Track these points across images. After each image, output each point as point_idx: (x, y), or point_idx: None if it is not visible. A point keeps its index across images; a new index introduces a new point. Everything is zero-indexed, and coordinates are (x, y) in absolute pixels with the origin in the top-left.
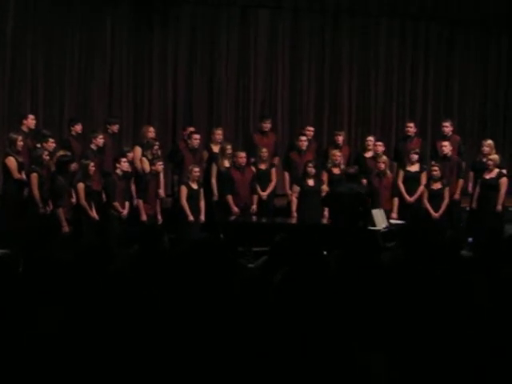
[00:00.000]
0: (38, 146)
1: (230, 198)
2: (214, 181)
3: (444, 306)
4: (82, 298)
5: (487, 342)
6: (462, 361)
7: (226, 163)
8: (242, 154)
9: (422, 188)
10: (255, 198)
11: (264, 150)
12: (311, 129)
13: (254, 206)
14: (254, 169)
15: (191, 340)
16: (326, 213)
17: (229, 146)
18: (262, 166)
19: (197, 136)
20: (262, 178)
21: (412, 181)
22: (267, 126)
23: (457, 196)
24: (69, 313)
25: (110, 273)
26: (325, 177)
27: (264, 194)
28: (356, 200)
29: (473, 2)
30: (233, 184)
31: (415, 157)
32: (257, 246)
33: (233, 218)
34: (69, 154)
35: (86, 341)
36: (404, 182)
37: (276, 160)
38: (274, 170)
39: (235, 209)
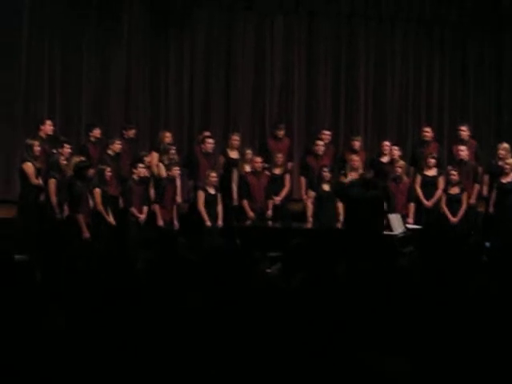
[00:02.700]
0: (55, 151)
1: (245, 202)
2: (234, 186)
3: (458, 310)
4: (99, 304)
5: (498, 347)
6: (479, 365)
7: (247, 168)
8: (258, 159)
9: (439, 192)
10: (271, 203)
11: (279, 155)
12: (328, 133)
13: (270, 211)
14: (269, 174)
15: (208, 344)
16: (342, 217)
17: (249, 151)
18: (277, 171)
19: (211, 140)
20: (277, 183)
21: (429, 185)
22: (281, 132)
23: (473, 201)
24: (85, 318)
25: (128, 278)
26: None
27: (277, 199)
28: (371, 205)
29: (487, 5)
30: (249, 189)
31: (432, 161)
32: (272, 251)
33: (249, 222)
34: (85, 159)
35: (102, 344)
36: (421, 187)
37: (290, 165)
38: (288, 176)
39: (251, 213)
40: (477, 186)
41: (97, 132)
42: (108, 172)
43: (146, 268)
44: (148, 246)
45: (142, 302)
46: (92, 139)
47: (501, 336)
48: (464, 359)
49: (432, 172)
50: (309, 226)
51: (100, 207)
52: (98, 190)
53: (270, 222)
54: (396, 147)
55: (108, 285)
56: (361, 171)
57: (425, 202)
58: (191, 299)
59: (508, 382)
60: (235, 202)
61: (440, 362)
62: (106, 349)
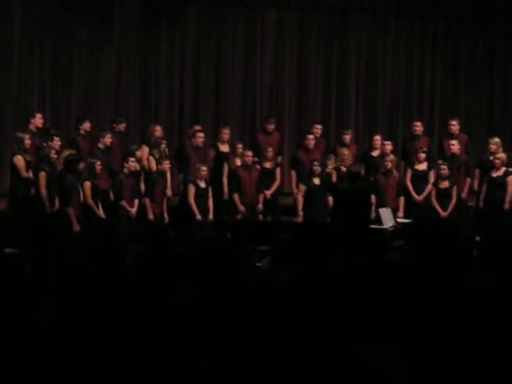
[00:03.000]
0: (45, 144)
1: (236, 196)
2: (225, 180)
3: (451, 304)
4: (90, 297)
5: (493, 341)
6: (469, 359)
7: (238, 162)
8: (249, 153)
9: (430, 187)
10: (261, 196)
11: (270, 149)
12: (319, 127)
13: (260, 205)
14: (259, 168)
15: (198, 339)
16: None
17: (240, 145)
18: (267, 165)
19: (201, 134)
20: (267, 177)
21: (420, 179)
22: (271, 126)
23: (464, 195)
24: (76, 311)
25: (118, 270)
26: (333, 175)
27: (268, 193)
28: (357, 198)
29: (480, 1)
30: (239, 183)
31: (423, 155)
32: (263, 244)
33: (239, 216)
34: (75, 153)
35: (91, 339)
36: (412, 181)
37: (280, 159)
38: (278, 169)
39: (241, 207)
40: (468, 180)
41: (86, 125)
42: (98, 165)
43: (137, 261)
44: (138, 239)
45: (133, 295)
46: (82, 132)
47: (491, 329)
48: (456, 352)
49: (422, 166)
50: (299, 219)
51: (90, 201)
52: (88, 184)
53: (260, 216)
54: (388, 142)
55: (98, 278)
56: (351, 165)
57: (415, 196)
58: (182, 292)
59: (504, 376)
60: (226, 196)
61: (432, 356)
62: (97, 342)
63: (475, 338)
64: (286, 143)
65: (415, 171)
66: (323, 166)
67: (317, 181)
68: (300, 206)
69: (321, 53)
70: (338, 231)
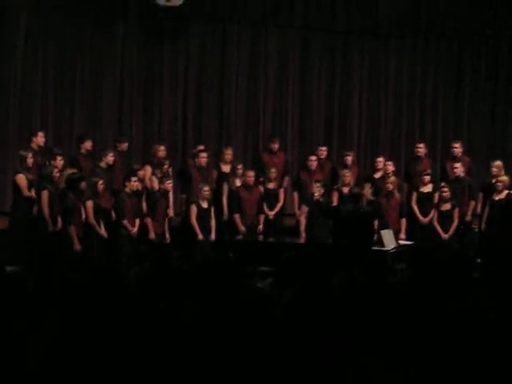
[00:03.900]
0: (48, 163)
1: (237, 216)
2: (225, 200)
3: (452, 326)
4: (92, 317)
5: (494, 362)
6: (471, 379)
7: (238, 182)
8: (251, 174)
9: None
10: (262, 217)
11: (273, 169)
12: (324, 148)
13: (261, 226)
14: (262, 188)
15: (198, 357)
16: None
17: (240, 166)
18: (271, 186)
19: (204, 154)
20: (270, 198)
21: (425, 201)
22: (275, 146)
23: (468, 218)
24: (77, 330)
25: (120, 290)
26: (335, 196)
27: (271, 214)
28: (360, 221)
29: (482, 20)
30: (240, 203)
31: (427, 178)
32: (264, 265)
33: (240, 237)
34: (77, 171)
35: (94, 358)
36: (417, 203)
37: (286, 180)
38: (282, 190)
39: (242, 228)
40: (472, 203)
41: (88, 144)
42: (100, 184)
43: (139, 280)
44: (140, 259)
45: (135, 314)
46: (83, 151)
47: (491, 351)
48: (458, 372)
49: (427, 188)
50: (301, 241)
51: (92, 220)
52: (90, 203)
53: (260, 237)
54: (390, 162)
55: (100, 297)
56: (352, 186)
57: (421, 218)
58: (185, 308)
59: None
60: (225, 217)
61: (435, 376)
62: (100, 359)
63: (476, 358)
64: (289, 163)
65: (420, 193)
66: (326, 188)
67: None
68: (303, 227)
69: (323, 72)
70: (340, 252)
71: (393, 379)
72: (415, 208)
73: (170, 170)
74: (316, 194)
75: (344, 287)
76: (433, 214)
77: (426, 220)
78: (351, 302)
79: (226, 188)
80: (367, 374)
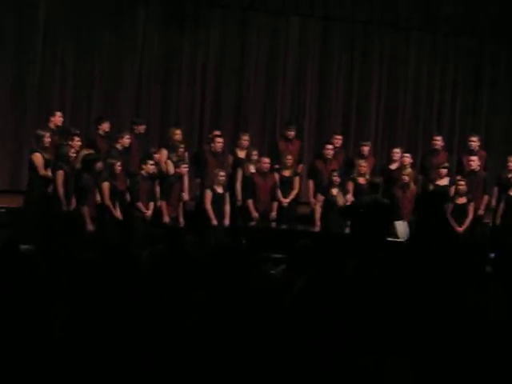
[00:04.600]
0: (65, 143)
1: (250, 202)
2: (238, 186)
3: (463, 320)
4: (102, 297)
5: (503, 357)
6: (476, 371)
7: (252, 168)
8: (266, 160)
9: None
10: (275, 204)
11: (289, 157)
12: (339, 137)
13: (274, 213)
14: (277, 175)
15: (208, 343)
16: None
17: (255, 152)
18: (286, 173)
19: (220, 140)
20: (285, 185)
21: None
22: (291, 133)
23: (481, 212)
24: (88, 310)
25: (132, 271)
26: (350, 186)
27: (285, 201)
28: (381, 211)
29: (502, 16)
30: (255, 189)
31: (444, 171)
32: (277, 252)
33: (253, 223)
34: (93, 152)
35: (102, 339)
36: None
37: (300, 168)
38: (297, 178)
39: (255, 214)
40: (486, 197)
41: (106, 126)
42: (118, 166)
43: (151, 262)
44: (153, 241)
45: (146, 296)
46: (100, 132)
47: (500, 344)
48: (465, 365)
49: (444, 182)
50: (316, 229)
51: (108, 201)
52: (106, 184)
53: (273, 224)
54: (407, 154)
55: (113, 277)
56: (368, 177)
57: None
58: (195, 296)
59: None
60: (239, 202)
61: (442, 367)
62: (109, 341)
63: (484, 350)
64: (306, 152)
65: (436, 187)
66: (342, 177)
67: (335, 191)
68: (318, 216)
69: (343, 63)
70: (355, 242)
71: (402, 375)
72: None
73: (186, 154)
74: (333, 192)
75: (356, 276)
76: (451, 208)
77: None
78: (363, 292)
79: (240, 174)
80: (373, 369)
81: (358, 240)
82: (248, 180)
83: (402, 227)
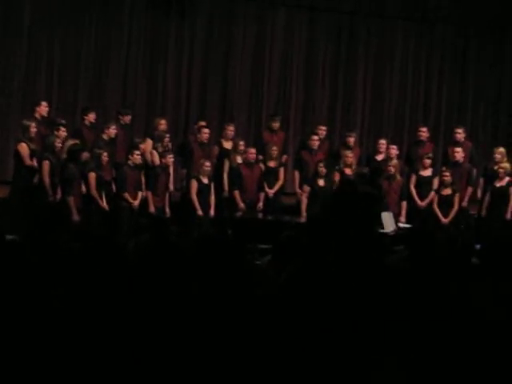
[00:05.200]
0: (51, 133)
1: (237, 193)
2: (225, 176)
3: (447, 310)
4: (89, 287)
5: (489, 348)
6: (465, 365)
7: (239, 159)
8: (252, 151)
9: (433, 193)
10: (262, 195)
11: (274, 147)
12: (323, 128)
13: (261, 204)
14: (262, 166)
15: (195, 335)
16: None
17: (241, 142)
18: (271, 164)
19: (206, 130)
20: (270, 176)
21: (424, 185)
22: (276, 124)
23: (465, 203)
24: (75, 301)
25: (119, 261)
26: (337, 177)
27: (271, 192)
28: (371, 202)
29: (487, 6)
30: (241, 180)
31: (428, 162)
32: (263, 243)
33: (239, 213)
34: (79, 143)
35: (90, 331)
36: (416, 187)
37: (284, 158)
38: (282, 169)
39: (241, 204)
40: (470, 189)
41: (92, 116)
42: (105, 157)
43: (137, 252)
44: (140, 231)
45: (133, 286)
46: (87, 123)
47: (488, 336)
48: (455, 358)
49: (427, 172)
50: (302, 220)
51: (94, 191)
52: (93, 174)
53: (260, 215)
54: (394, 146)
55: (99, 267)
56: (354, 167)
57: (418, 201)
58: (183, 287)
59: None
60: (226, 193)
61: (431, 362)
62: (97, 333)
63: (469, 344)
64: (290, 142)
65: (420, 177)
66: (328, 167)
67: (321, 182)
68: (304, 207)
69: (329, 53)
70: (342, 230)
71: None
72: (413, 191)
73: (170, 144)
74: (320, 183)
75: (340, 266)
76: (430, 197)
77: (423, 204)
78: (346, 282)
79: (226, 164)
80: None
81: (347, 230)
82: (234, 171)
83: (387, 218)
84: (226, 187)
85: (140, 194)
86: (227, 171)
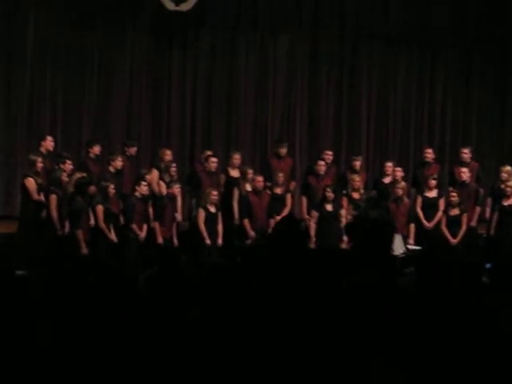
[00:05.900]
0: (57, 167)
1: (246, 222)
2: (235, 205)
3: (458, 330)
4: (99, 320)
5: (501, 368)
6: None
7: (248, 187)
8: (260, 178)
9: (440, 214)
10: (272, 222)
11: (280, 174)
12: (330, 153)
13: (270, 230)
14: (269, 193)
15: (205, 359)
16: (346, 238)
17: (250, 170)
18: (278, 191)
19: (214, 159)
20: (277, 203)
21: (430, 207)
22: (284, 150)
23: (474, 223)
24: (86, 335)
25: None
26: (345, 202)
27: (278, 219)
28: (385, 226)
29: (491, 28)
30: (250, 208)
31: (433, 183)
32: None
33: (249, 241)
34: (86, 176)
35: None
36: (422, 208)
37: (292, 185)
38: (289, 195)
39: (251, 233)
40: (478, 209)
41: (96, 149)
42: (111, 189)
43: (148, 285)
44: (148, 263)
45: (145, 318)
46: (92, 156)
47: (498, 355)
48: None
49: (433, 193)
50: (312, 246)
51: (102, 224)
52: (100, 207)
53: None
54: (399, 168)
55: (110, 300)
56: (362, 191)
57: (425, 223)
58: (192, 314)
59: None
60: (236, 222)
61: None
62: (107, 364)
63: (481, 361)
64: (298, 169)
65: (425, 198)
66: (335, 192)
67: (329, 207)
68: (313, 232)
69: (332, 79)
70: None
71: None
72: (420, 212)
73: (176, 174)
74: (328, 207)
75: (353, 291)
76: (437, 218)
77: (430, 225)
78: (359, 304)
79: (236, 193)
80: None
81: (362, 256)
82: (244, 199)
83: (396, 241)
84: (237, 215)
85: (145, 225)
86: (237, 199)
